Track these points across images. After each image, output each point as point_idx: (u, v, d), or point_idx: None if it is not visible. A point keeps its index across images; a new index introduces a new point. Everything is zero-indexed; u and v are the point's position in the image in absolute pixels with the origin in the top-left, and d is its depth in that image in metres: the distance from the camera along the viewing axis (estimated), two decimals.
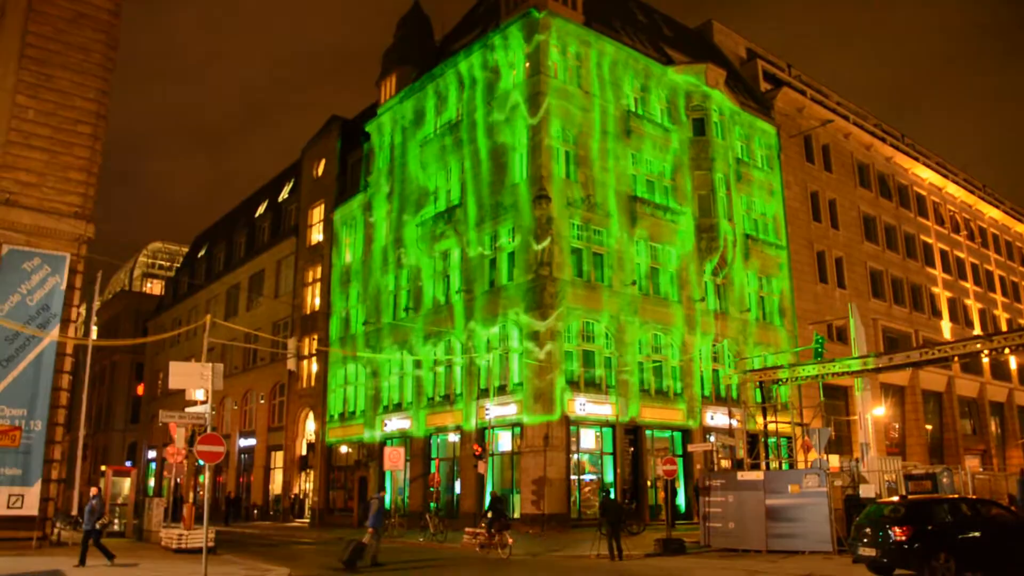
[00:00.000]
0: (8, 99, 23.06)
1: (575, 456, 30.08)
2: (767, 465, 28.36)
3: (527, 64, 32.30)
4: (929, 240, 53.32)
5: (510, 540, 21.50)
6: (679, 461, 31.21)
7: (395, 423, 36.55)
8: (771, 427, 28.76)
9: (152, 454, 61.97)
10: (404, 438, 35.77)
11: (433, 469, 34.08)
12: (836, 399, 40.88)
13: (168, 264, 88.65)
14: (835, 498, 20.40)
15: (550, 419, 28.76)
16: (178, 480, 42.09)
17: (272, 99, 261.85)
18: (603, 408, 30.47)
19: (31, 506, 21.66)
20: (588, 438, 30.96)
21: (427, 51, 41.66)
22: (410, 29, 42.65)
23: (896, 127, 58.02)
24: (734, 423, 30.92)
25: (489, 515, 22.88)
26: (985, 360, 44.62)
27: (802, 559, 19.28)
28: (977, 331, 52.74)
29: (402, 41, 42.33)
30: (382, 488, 25.02)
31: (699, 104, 37.02)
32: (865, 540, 15.41)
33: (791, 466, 29.15)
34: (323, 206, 46.19)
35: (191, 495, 39.64)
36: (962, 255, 56.19)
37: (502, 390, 30.90)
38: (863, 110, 55.00)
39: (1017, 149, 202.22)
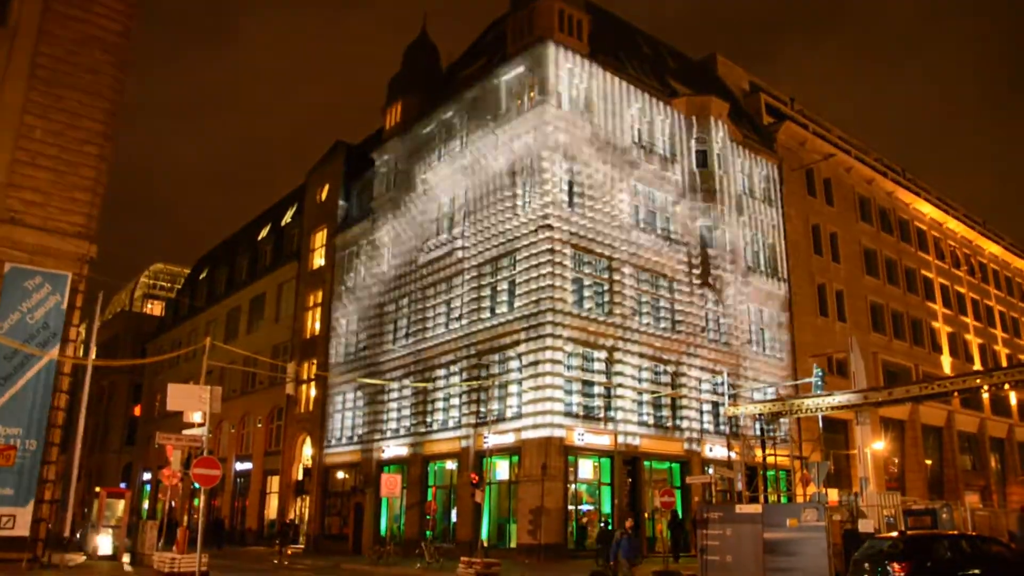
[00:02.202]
0: (17, 119, 23.21)
1: (573, 486, 29.89)
2: (765, 498, 28.18)
3: (532, 93, 32.55)
4: (930, 275, 53.36)
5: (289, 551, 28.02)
6: (677, 493, 31.06)
7: (392, 450, 36.37)
8: (770, 460, 28.63)
9: (147, 476, 61.61)
10: (401, 465, 35.58)
11: (430, 497, 33.87)
12: (836, 433, 40.68)
13: (169, 285, 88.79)
14: (834, 533, 20.21)
15: (548, 449, 28.61)
16: (172, 503, 41.81)
17: (278, 128, 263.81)
18: (601, 439, 30.33)
19: (23, 527, 21.45)
20: (586, 468, 30.79)
21: (433, 79, 42.01)
22: (417, 57, 43.04)
23: (897, 162, 58.23)
24: (733, 455, 30.76)
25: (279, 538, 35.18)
26: (985, 395, 44.51)
27: None
28: (977, 366, 52.56)
29: (409, 69, 42.70)
30: (629, 516, 24.07)
31: (702, 136, 37.21)
32: None
33: (790, 499, 28.98)
34: (326, 231, 46.33)
35: (185, 518, 39.31)
36: (962, 290, 56.21)
37: (501, 419, 30.79)
38: (864, 145, 55.30)
39: (1017, 185, 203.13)
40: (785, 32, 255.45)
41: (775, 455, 28.45)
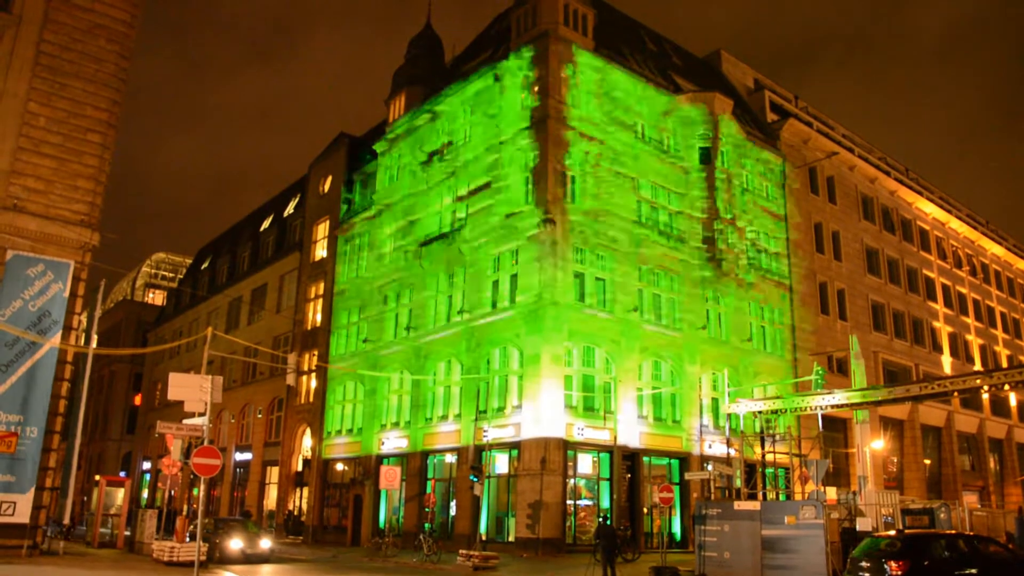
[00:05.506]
0: (20, 106, 23.24)
1: (572, 481, 29.92)
2: (764, 495, 28.21)
3: (536, 88, 32.49)
4: (931, 275, 53.34)
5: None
6: (676, 489, 31.11)
7: (392, 442, 36.42)
8: (769, 457, 28.63)
9: (147, 465, 61.73)
10: (400, 457, 35.64)
11: (429, 489, 33.93)
12: (835, 431, 40.73)
13: (171, 275, 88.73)
14: (831, 530, 20.27)
15: (548, 443, 28.65)
16: (172, 492, 41.91)
17: (282, 118, 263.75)
18: (601, 433, 30.36)
19: (23, 514, 21.54)
20: (585, 463, 30.83)
21: (437, 71, 41.96)
22: (421, 49, 43.00)
23: (901, 162, 58.20)
24: (732, 452, 30.80)
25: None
26: (985, 396, 44.55)
27: None
28: (977, 367, 52.61)
29: (413, 61, 42.66)
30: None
31: (706, 133, 37.13)
32: (861, 574, 15.31)
33: (788, 497, 29.01)
34: (328, 222, 46.32)
35: (185, 508, 39.43)
36: (964, 290, 56.18)
37: (501, 412, 30.83)
38: (868, 143, 55.23)
39: (1020, 186, 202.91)
40: (805, 63, 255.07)
41: (774, 452, 28.44)
